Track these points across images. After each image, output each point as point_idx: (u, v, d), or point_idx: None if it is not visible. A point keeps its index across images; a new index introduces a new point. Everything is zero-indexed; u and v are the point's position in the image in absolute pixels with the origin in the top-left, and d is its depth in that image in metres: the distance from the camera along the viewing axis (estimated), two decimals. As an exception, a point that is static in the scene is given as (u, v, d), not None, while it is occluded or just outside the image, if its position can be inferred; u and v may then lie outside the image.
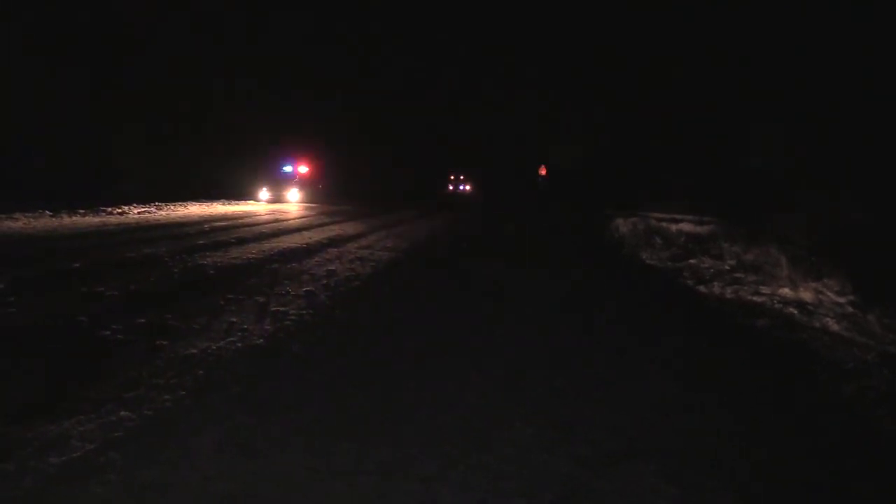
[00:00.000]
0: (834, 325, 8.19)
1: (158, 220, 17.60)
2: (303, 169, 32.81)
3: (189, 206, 22.90)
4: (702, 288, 10.35)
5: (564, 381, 5.09)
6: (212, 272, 9.23)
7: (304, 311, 7.01)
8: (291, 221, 18.75)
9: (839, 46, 13.07)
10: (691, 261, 12.90)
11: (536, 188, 42.82)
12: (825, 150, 12.89)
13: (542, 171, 44.26)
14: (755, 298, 9.57)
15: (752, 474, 3.69)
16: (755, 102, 17.14)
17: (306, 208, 25.42)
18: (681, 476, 3.56)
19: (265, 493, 3.21)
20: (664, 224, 19.70)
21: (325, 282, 8.79)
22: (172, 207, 21.83)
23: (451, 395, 4.62)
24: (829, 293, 9.90)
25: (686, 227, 18.79)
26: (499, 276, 10.60)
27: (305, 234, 15.09)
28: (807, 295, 9.80)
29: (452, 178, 57.34)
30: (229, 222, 17.55)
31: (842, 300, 9.56)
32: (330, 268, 9.99)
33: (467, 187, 55.65)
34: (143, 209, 20.35)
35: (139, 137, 28.15)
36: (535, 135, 43.26)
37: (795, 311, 8.82)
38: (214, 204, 25.29)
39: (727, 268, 11.97)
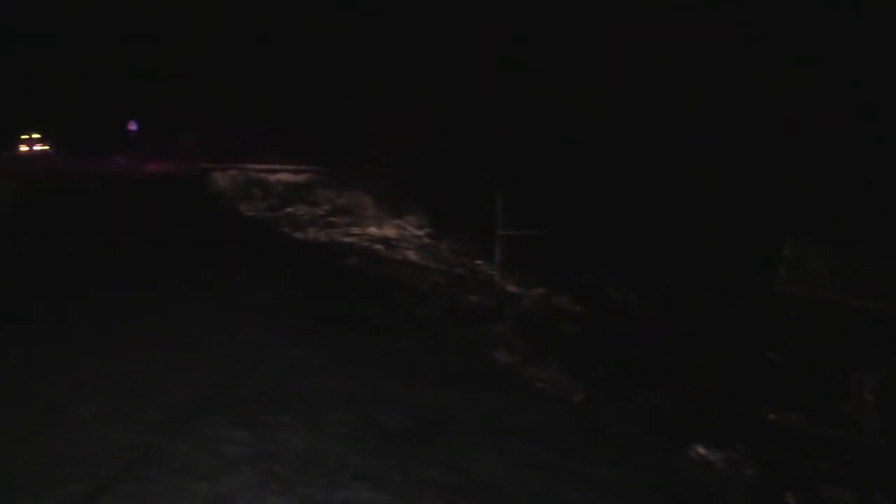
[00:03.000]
0: (414, 256, 9.11)
1: None
2: None
3: None
4: (298, 234, 10.64)
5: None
6: None
7: None
8: None
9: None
10: (288, 209, 13.15)
11: (128, 143, 39.67)
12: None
13: (132, 126, 41.05)
14: (346, 239, 10.14)
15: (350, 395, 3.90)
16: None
17: None
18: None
19: None
20: (263, 175, 19.75)
21: None
22: None
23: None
24: (410, 228, 10.97)
25: (284, 176, 19.08)
26: (76, 241, 9.61)
27: None
28: (391, 231, 10.72)
29: (25, 137, 49.90)
30: None
31: (420, 233, 10.67)
32: None
33: (45, 147, 48.96)
34: None
35: None
36: (131, 90, 39.46)
37: (382, 248, 9.58)
38: None
39: (322, 213, 12.48)
